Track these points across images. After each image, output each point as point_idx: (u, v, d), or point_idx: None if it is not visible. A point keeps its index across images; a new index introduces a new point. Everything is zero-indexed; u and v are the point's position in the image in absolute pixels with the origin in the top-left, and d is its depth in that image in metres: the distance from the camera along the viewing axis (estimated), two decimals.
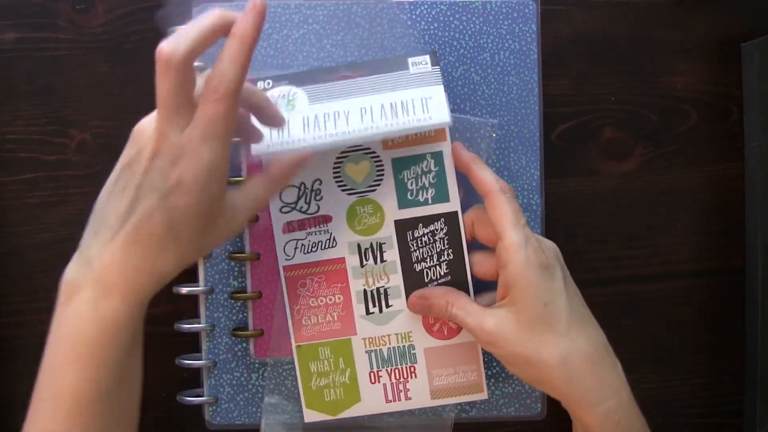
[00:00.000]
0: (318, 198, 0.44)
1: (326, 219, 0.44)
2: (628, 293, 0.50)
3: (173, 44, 0.33)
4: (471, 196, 0.43)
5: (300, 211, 0.44)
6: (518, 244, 0.39)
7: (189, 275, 0.47)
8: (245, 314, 0.46)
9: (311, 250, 0.44)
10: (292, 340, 0.45)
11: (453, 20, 0.47)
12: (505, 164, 0.47)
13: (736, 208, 0.50)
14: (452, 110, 0.47)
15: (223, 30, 0.35)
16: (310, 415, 0.45)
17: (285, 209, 0.44)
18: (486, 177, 0.41)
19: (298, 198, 0.44)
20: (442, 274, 0.44)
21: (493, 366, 0.48)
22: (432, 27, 0.47)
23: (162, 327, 0.45)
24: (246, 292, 0.46)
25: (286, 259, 0.44)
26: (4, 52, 0.47)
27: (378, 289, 0.45)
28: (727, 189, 0.50)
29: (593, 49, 0.49)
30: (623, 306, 0.50)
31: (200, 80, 0.37)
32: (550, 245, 0.41)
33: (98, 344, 0.35)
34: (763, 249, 0.48)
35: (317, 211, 0.44)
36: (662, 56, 0.50)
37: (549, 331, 0.38)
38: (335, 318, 0.45)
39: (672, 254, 0.50)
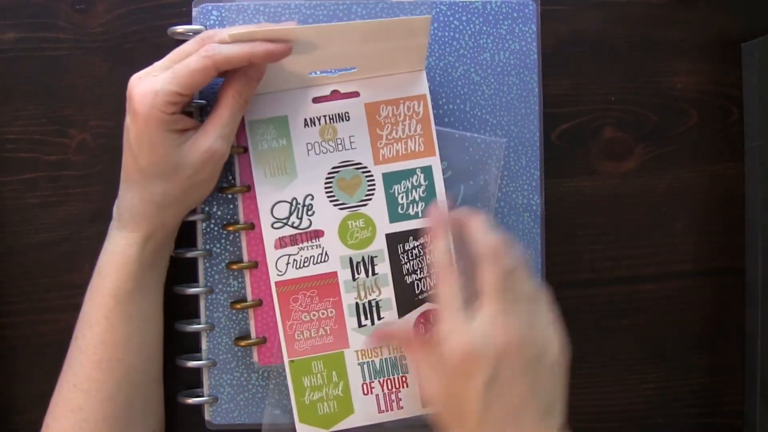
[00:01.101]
0: (310, 213, 0.44)
1: (318, 234, 0.45)
2: (628, 293, 0.50)
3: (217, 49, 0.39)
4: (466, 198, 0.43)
5: (292, 226, 0.44)
6: (443, 334, 0.38)
7: (189, 275, 0.47)
8: (246, 314, 0.46)
9: (303, 265, 0.44)
10: (285, 356, 0.45)
11: (453, 20, 0.47)
12: (505, 164, 0.47)
13: (736, 208, 0.50)
14: (454, 118, 0.47)
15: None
16: (303, 429, 0.45)
17: (277, 225, 0.44)
18: (438, 253, 0.41)
19: (290, 213, 0.44)
20: (432, 285, 0.45)
21: None
22: (432, 27, 0.47)
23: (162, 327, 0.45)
24: (246, 299, 0.46)
25: (278, 275, 0.44)
26: (4, 52, 0.47)
27: (370, 301, 0.45)
28: (727, 189, 0.50)
29: (593, 49, 0.49)
30: (623, 306, 0.50)
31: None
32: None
33: (107, 273, 0.41)
34: (763, 249, 0.48)
35: (309, 226, 0.44)
36: (662, 56, 0.50)
37: (459, 424, 0.38)
38: (328, 332, 0.45)
39: (672, 254, 0.50)
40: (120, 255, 0.41)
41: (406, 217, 0.45)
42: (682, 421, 0.50)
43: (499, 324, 0.37)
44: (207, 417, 0.47)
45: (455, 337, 0.37)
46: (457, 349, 0.36)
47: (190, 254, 0.46)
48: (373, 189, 0.45)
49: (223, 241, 0.46)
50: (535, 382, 0.37)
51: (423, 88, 0.45)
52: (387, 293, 0.45)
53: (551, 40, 0.49)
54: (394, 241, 0.45)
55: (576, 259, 0.50)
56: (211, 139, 0.40)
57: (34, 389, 0.47)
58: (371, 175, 0.45)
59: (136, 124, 0.39)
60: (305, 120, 0.44)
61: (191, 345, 0.47)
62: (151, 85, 0.38)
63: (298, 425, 0.45)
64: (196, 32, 0.45)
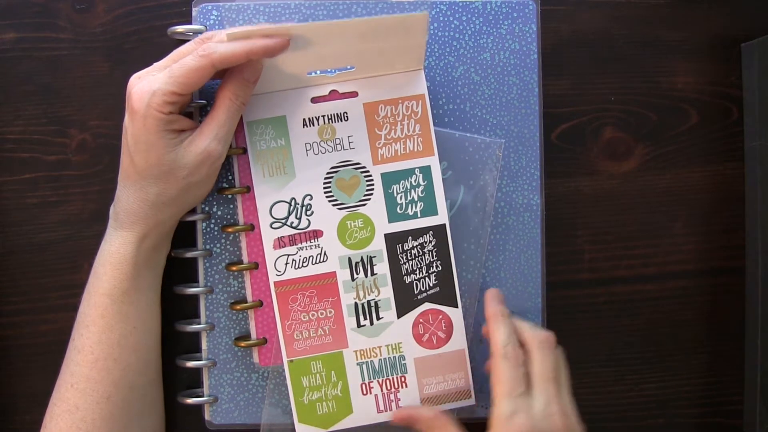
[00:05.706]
0: (308, 213, 0.44)
1: (317, 234, 0.45)
2: (628, 293, 0.50)
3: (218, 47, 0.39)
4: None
5: (290, 226, 0.44)
6: (503, 417, 0.38)
7: (189, 275, 0.47)
8: (246, 314, 0.46)
9: (302, 265, 0.45)
10: (284, 356, 0.45)
11: (453, 20, 0.47)
12: (505, 164, 0.47)
13: (736, 208, 0.50)
14: (454, 118, 0.47)
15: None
16: (303, 429, 0.45)
17: (275, 225, 0.44)
18: (496, 338, 0.41)
19: (289, 213, 0.44)
20: (431, 285, 0.45)
21: None
22: (432, 27, 0.47)
23: (162, 327, 0.45)
24: (246, 299, 0.46)
25: (277, 275, 0.44)
26: (4, 52, 0.47)
27: (369, 301, 0.45)
28: (727, 189, 0.50)
29: (593, 49, 0.49)
30: (623, 306, 0.50)
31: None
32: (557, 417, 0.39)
33: (102, 273, 0.41)
34: (763, 249, 0.48)
35: (308, 226, 0.45)
36: (662, 56, 0.50)
37: None
38: (327, 332, 0.45)
39: (672, 254, 0.50)
40: (115, 254, 0.41)
41: (405, 217, 0.45)
42: (682, 421, 0.50)
43: (554, 409, 0.39)
44: (207, 417, 0.47)
45: (521, 417, 0.38)
46: (524, 428, 0.38)
47: (189, 254, 0.46)
48: (372, 189, 0.45)
49: (223, 241, 0.46)
50: None
51: (421, 87, 0.45)
52: (386, 293, 0.45)
53: (551, 40, 0.49)
54: (393, 241, 0.45)
55: (576, 259, 0.50)
56: (206, 140, 0.40)
57: (34, 389, 0.47)
58: (370, 175, 0.45)
59: (134, 123, 0.39)
60: (304, 120, 0.44)
61: (191, 345, 0.47)
62: (149, 84, 0.39)
63: (298, 425, 0.45)
64: (196, 32, 0.45)
